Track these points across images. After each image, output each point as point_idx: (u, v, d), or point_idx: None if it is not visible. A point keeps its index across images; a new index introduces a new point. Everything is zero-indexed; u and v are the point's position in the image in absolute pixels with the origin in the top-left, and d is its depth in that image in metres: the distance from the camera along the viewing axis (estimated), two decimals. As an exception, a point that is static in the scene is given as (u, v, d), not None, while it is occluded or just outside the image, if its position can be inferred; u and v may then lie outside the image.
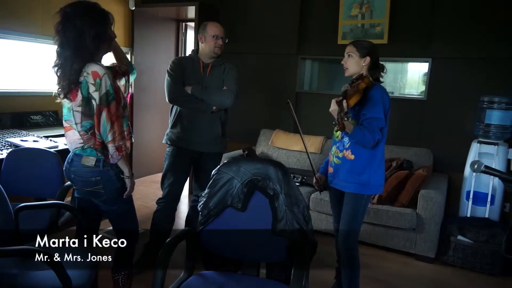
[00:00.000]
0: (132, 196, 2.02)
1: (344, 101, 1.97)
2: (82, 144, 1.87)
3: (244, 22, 4.43)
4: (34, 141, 3.07)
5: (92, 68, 1.77)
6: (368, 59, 2.20)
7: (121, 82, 2.06)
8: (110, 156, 1.84)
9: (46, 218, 2.14)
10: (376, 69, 2.25)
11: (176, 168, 2.80)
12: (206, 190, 1.92)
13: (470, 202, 3.31)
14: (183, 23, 5.42)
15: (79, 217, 1.98)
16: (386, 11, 3.69)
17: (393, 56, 3.79)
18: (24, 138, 3.07)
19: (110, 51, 1.99)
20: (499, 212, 3.30)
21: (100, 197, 1.92)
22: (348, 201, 2.26)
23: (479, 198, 3.30)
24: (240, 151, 4.10)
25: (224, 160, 3.34)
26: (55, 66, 1.82)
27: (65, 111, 1.90)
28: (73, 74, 1.76)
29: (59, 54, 1.80)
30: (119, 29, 4.62)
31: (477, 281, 2.94)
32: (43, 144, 3.02)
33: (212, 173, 1.94)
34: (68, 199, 2.39)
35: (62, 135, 3.44)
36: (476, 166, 1.57)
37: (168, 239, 1.77)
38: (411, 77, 4.11)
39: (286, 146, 4.17)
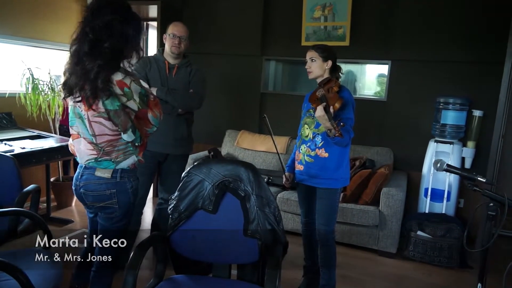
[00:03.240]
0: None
1: (331, 107, 2.10)
2: (95, 156, 1.71)
3: (208, 22, 4.40)
4: (-13, 144, 2.90)
5: (115, 77, 1.60)
6: (330, 62, 2.33)
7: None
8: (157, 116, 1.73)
9: (4, 226, 2.02)
10: (335, 71, 2.39)
11: (141, 170, 2.72)
12: (176, 193, 1.89)
13: (428, 198, 3.46)
14: (145, 22, 5.30)
15: (41, 223, 1.88)
16: (348, 14, 3.78)
17: (354, 58, 3.93)
18: (-25, 142, 2.90)
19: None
20: (454, 208, 3.49)
21: (111, 213, 1.74)
22: (323, 196, 2.36)
23: (436, 195, 3.47)
24: (205, 153, 4.07)
25: (190, 161, 3.31)
26: (77, 65, 1.61)
27: (71, 115, 1.71)
28: (102, 83, 1.57)
29: (87, 59, 1.58)
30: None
31: (436, 274, 3.09)
32: (-3, 147, 2.86)
33: (182, 175, 1.91)
34: (26, 205, 2.26)
35: (17, 139, 3.29)
36: (438, 165, 1.66)
37: (139, 242, 1.72)
38: (371, 78, 4.24)
39: (251, 147, 4.18)
